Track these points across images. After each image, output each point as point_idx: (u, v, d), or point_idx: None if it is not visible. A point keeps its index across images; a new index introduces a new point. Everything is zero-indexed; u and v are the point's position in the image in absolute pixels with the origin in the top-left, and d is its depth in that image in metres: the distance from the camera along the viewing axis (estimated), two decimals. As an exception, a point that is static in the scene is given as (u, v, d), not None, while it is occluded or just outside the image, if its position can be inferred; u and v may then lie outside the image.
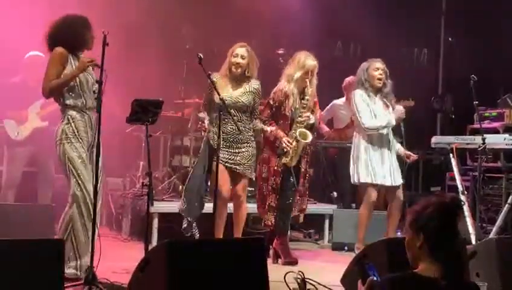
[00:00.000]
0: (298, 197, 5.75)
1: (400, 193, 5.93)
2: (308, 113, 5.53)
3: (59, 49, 4.54)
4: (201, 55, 4.93)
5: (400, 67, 8.74)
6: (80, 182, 4.48)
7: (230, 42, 5.51)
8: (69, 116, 4.54)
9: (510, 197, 6.30)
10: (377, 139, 5.87)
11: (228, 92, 5.26)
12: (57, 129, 4.60)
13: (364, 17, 8.42)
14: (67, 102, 4.55)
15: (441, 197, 2.60)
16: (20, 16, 6.58)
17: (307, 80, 5.48)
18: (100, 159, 4.44)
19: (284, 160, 5.51)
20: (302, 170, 5.70)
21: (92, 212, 4.36)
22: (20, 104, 6.21)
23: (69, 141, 4.50)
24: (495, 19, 8.41)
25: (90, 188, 4.42)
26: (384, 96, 5.92)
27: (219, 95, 5.01)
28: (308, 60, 5.51)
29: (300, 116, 5.50)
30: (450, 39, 9.14)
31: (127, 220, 6.74)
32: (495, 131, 6.95)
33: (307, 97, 5.51)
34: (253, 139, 5.45)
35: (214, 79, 5.17)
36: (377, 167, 5.84)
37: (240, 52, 5.33)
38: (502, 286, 3.92)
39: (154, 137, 5.72)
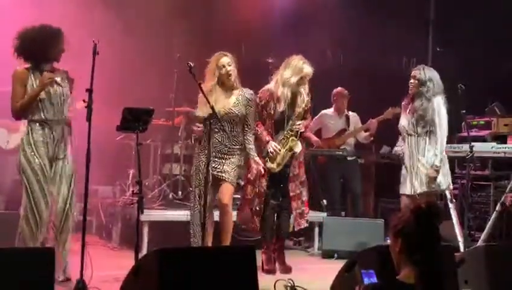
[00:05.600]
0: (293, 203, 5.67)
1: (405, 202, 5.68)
2: (300, 123, 5.56)
3: (18, 70, 4.59)
4: (192, 64, 4.94)
5: (389, 75, 8.80)
6: (29, 193, 4.52)
7: (220, 50, 5.50)
8: (29, 128, 4.59)
9: (498, 205, 6.35)
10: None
11: (222, 103, 5.23)
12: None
13: (353, 26, 8.48)
14: (29, 115, 4.60)
15: (419, 203, 2.64)
16: (13, 25, 6.56)
17: (301, 86, 5.51)
18: (69, 168, 4.62)
19: (269, 165, 5.52)
20: (291, 175, 5.65)
21: (38, 224, 4.49)
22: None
23: (24, 151, 4.56)
24: (482, 28, 8.48)
25: (40, 200, 4.51)
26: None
27: (209, 103, 5.00)
28: (305, 65, 5.51)
29: (294, 125, 5.52)
30: (438, 48, 9.21)
31: (117, 229, 6.73)
32: (483, 139, 7.01)
33: (302, 105, 5.53)
34: (239, 152, 5.39)
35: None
36: None
37: (226, 61, 5.31)
38: (490, 292, 3.96)
39: (144, 145, 5.73)
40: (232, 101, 5.33)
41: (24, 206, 4.55)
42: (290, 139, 5.52)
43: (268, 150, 5.48)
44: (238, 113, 5.31)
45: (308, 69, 5.52)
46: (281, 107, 5.52)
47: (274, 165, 5.52)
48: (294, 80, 5.49)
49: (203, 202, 4.99)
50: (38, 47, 4.56)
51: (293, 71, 5.50)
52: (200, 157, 5.30)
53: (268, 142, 5.49)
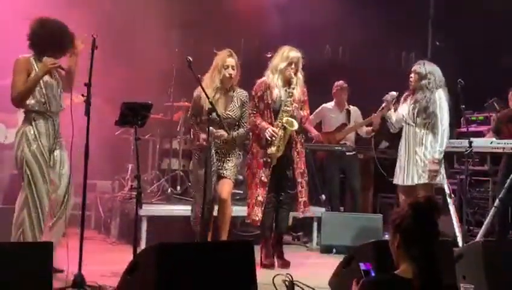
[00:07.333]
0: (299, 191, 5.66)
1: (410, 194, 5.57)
2: (296, 105, 5.52)
3: (21, 58, 4.53)
4: (191, 59, 4.93)
5: (388, 70, 8.80)
6: (32, 187, 4.46)
7: (219, 45, 5.51)
8: (32, 119, 4.52)
9: (496, 200, 6.35)
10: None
11: (219, 109, 5.21)
12: (17, 130, 4.58)
13: (353, 20, 8.46)
14: (30, 105, 4.51)
15: (417, 197, 2.64)
16: (9, 18, 6.55)
17: (291, 71, 5.50)
18: (66, 163, 4.61)
19: (270, 150, 5.49)
20: (295, 162, 5.62)
21: (41, 217, 4.45)
22: (10, 107, 6.19)
23: (28, 143, 4.48)
24: (482, 24, 8.48)
25: (43, 193, 4.47)
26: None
27: (208, 98, 4.99)
28: (291, 51, 5.55)
29: (286, 106, 5.49)
30: (437, 43, 9.20)
31: (115, 223, 6.73)
32: (482, 135, 7.01)
33: (292, 86, 5.49)
34: (238, 150, 5.51)
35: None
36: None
37: (231, 62, 5.36)
38: (488, 288, 3.96)
39: (143, 140, 5.73)
40: (228, 106, 5.39)
41: (24, 200, 4.45)
42: (285, 118, 5.49)
43: (267, 136, 5.47)
44: (235, 117, 5.41)
45: (294, 54, 5.53)
46: (275, 94, 5.52)
47: (274, 149, 5.48)
48: (282, 65, 5.51)
49: (203, 198, 5.00)
50: (52, 39, 4.51)
51: (280, 58, 5.55)
52: (199, 154, 5.34)
53: (266, 128, 5.48)
